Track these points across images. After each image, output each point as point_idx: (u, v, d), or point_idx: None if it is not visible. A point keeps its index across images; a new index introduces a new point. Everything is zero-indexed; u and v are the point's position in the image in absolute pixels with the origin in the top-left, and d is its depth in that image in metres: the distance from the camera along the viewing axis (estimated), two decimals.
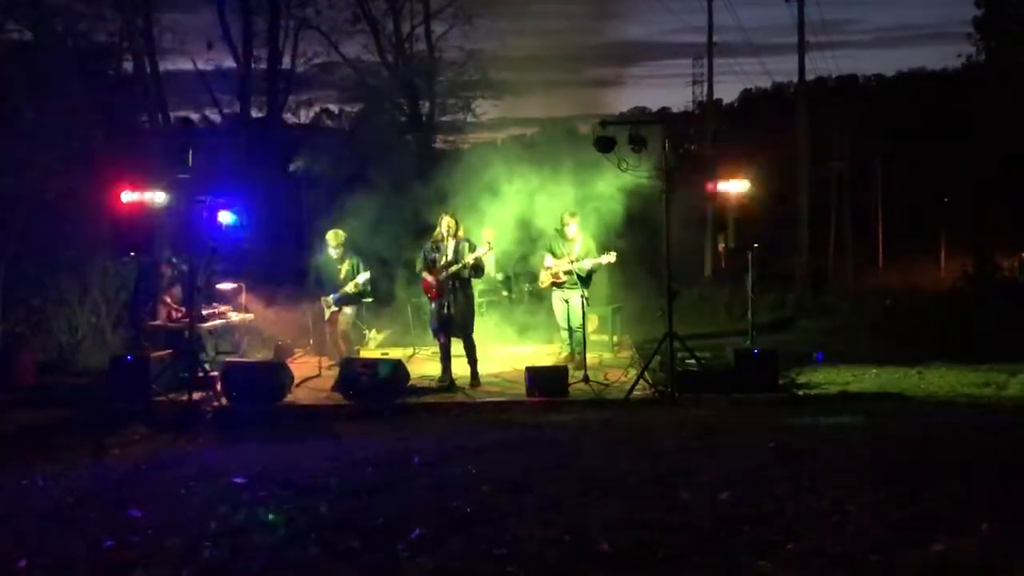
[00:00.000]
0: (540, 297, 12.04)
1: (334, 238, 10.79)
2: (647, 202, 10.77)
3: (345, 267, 10.73)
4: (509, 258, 12.49)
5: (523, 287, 12.64)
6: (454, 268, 9.36)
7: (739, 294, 16.33)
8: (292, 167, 13.51)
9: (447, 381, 9.58)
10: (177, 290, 10.45)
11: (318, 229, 11.46)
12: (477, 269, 9.60)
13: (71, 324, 11.79)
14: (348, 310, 10.85)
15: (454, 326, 9.48)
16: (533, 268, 11.46)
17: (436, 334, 9.69)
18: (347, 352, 10.69)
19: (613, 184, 10.64)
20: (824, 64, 48.54)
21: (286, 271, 12.98)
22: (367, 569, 4.46)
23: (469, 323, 9.62)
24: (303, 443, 7.24)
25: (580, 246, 10.52)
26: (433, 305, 9.60)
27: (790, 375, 9.93)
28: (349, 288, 10.66)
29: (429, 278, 9.54)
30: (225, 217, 9.37)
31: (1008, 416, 8.10)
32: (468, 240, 9.60)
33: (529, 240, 12.00)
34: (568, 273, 10.45)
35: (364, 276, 10.73)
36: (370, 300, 11.50)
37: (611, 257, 10.33)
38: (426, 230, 10.12)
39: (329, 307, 10.72)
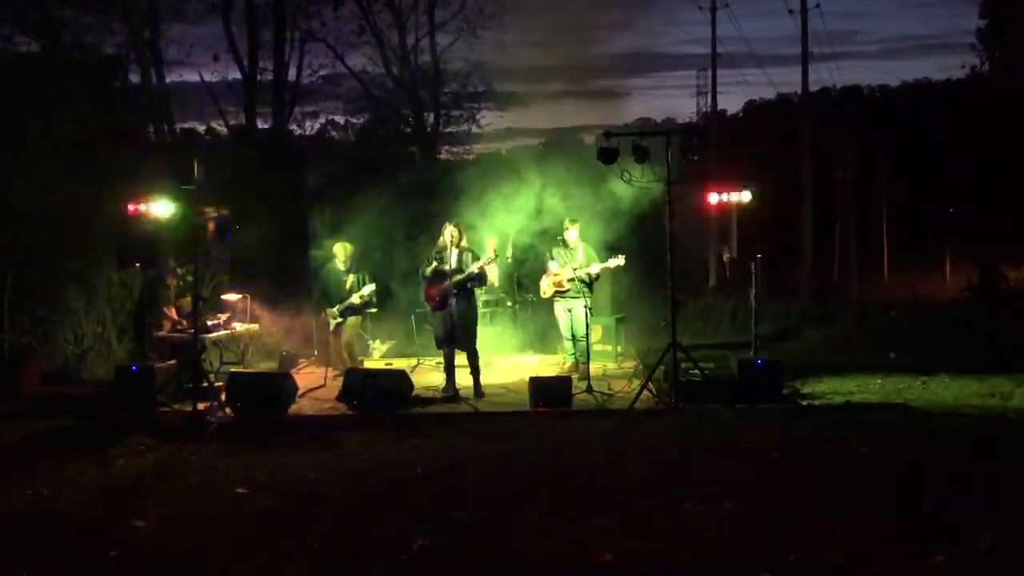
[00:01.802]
0: (544, 307, 12.03)
1: (342, 251, 10.83)
2: (651, 213, 10.79)
3: (351, 279, 10.77)
4: (514, 266, 12.50)
5: (527, 296, 12.64)
6: (457, 278, 9.38)
7: (743, 304, 16.32)
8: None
9: (451, 392, 9.59)
10: (184, 300, 10.47)
11: (323, 240, 11.51)
12: (480, 279, 9.64)
13: (76, 335, 11.80)
14: (353, 321, 10.88)
15: (457, 336, 9.50)
16: (537, 273, 11.40)
17: (440, 344, 9.71)
18: (351, 363, 10.71)
19: (617, 193, 10.66)
20: (828, 75, 48.50)
21: (291, 282, 13.01)
22: None
23: (472, 333, 9.63)
24: (307, 453, 7.26)
25: (582, 253, 10.54)
26: (436, 315, 9.62)
27: (794, 385, 9.92)
28: (354, 300, 10.69)
29: (432, 288, 9.56)
30: (231, 228, 9.42)
31: (1012, 427, 8.09)
32: (471, 250, 9.63)
33: (533, 248, 12.03)
34: (571, 281, 10.45)
35: (369, 288, 10.76)
36: (374, 311, 11.50)
37: (620, 260, 10.31)
38: (430, 239, 10.14)
39: (334, 318, 10.75)
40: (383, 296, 11.27)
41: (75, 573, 4.62)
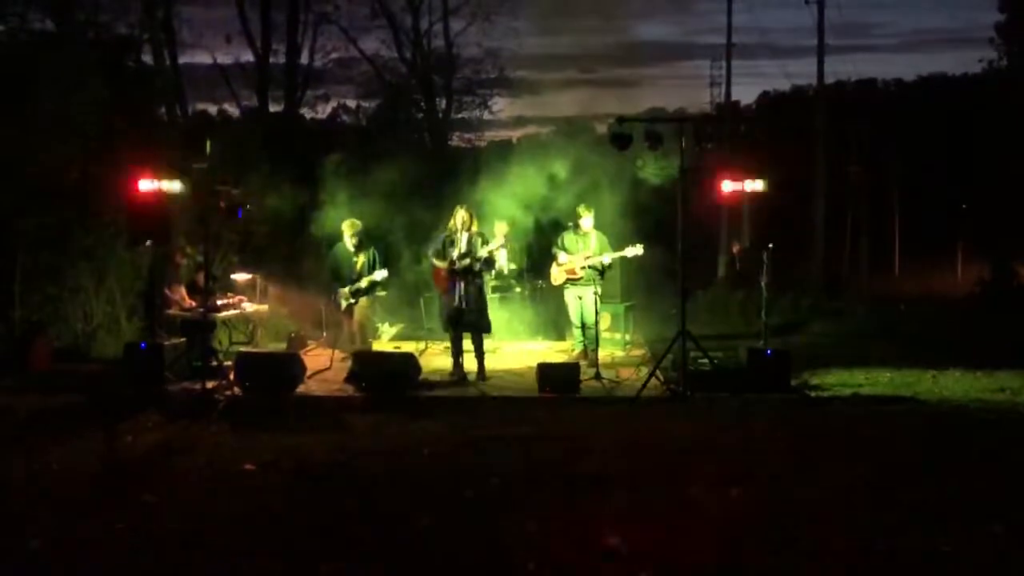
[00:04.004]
0: (554, 293, 12.02)
1: (350, 227, 10.76)
2: (664, 204, 10.75)
3: (361, 259, 10.72)
4: (523, 253, 12.47)
5: (537, 283, 12.62)
6: (467, 262, 9.38)
7: (753, 295, 16.25)
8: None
9: (458, 375, 9.61)
10: (197, 276, 10.48)
11: (328, 220, 11.51)
12: (489, 263, 9.65)
13: (87, 312, 11.85)
14: (364, 302, 10.85)
15: (466, 319, 9.52)
16: (550, 258, 11.36)
17: (446, 327, 9.73)
18: (362, 344, 10.70)
19: (632, 182, 10.62)
20: (844, 67, 48.34)
21: (301, 263, 13.03)
22: (376, 559, 4.48)
23: (481, 316, 9.65)
24: (314, 434, 7.28)
25: (595, 241, 10.51)
26: (445, 298, 9.65)
27: (803, 377, 9.89)
28: (361, 284, 10.64)
29: (442, 271, 9.59)
30: (242, 207, 9.43)
31: (1020, 420, 8.06)
32: (482, 234, 9.63)
33: (546, 234, 12.00)
34: (584, 268, 10.43)
35: (382, 273, 10.69)
36: (383, 293, 11.48)
37: (638, 249, 10.28)
38: (440, 222, 10.12)
39: (346, 299, 10.70)
40: (389, 274, 11.22)
41: (85, 546, 4.64)
